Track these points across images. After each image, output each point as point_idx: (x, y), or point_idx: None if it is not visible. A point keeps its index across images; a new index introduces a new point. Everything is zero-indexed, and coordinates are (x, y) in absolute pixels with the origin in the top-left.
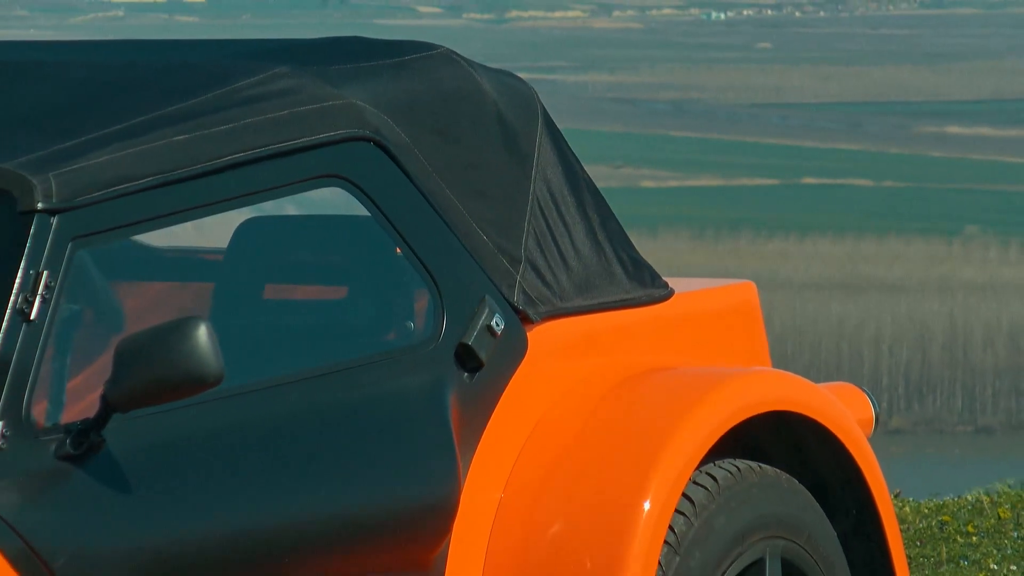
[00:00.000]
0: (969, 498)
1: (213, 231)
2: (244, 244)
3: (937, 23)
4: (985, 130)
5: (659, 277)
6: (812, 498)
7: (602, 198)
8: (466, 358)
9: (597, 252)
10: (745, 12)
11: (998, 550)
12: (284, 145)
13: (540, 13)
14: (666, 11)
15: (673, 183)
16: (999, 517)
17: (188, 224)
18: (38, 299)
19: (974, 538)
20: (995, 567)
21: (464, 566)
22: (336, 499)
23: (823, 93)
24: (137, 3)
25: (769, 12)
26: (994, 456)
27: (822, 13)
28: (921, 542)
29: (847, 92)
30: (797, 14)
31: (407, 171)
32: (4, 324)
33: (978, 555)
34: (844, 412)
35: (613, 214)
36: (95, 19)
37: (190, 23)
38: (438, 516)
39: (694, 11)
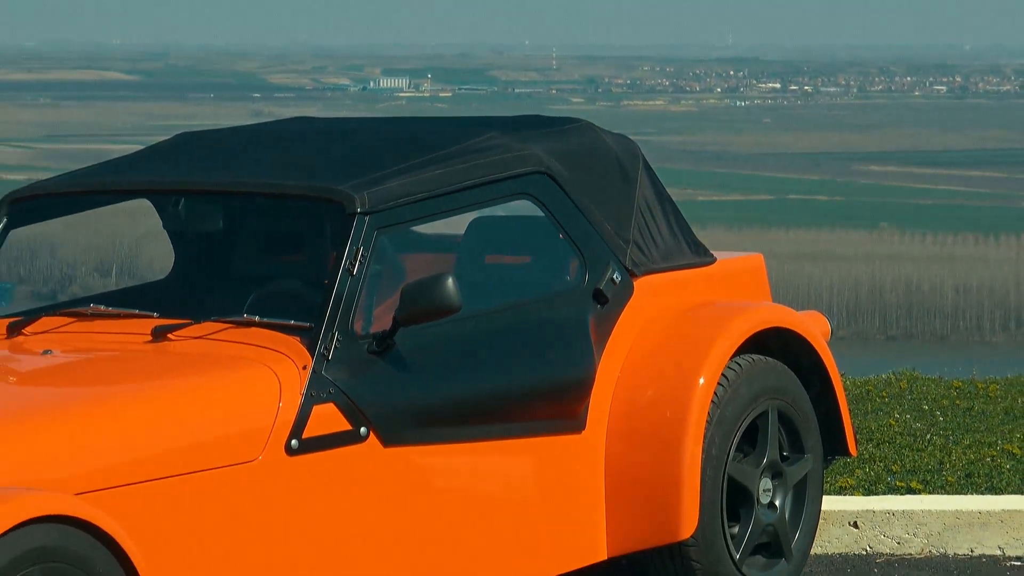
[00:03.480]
0: (883, 376)
1: (454, 224)
2: (474, 232)
3: (866, 107)
4: (892, 168)
5: (708, 250)
6: (795, 376)
7: (675, 205)
8: (598, 297)
9: (672, 236)
10: (756, 101)
11: (899, 407)
12: (495, 176)
13: (640, 102)
14: (711, 101)
15: (714, 198)
16: (900, 388)
17: (442, 220)
18: (357, 263)
19: (887, 400)
20: (897, 416)
21: (598, 414)
22: (527, 374)
23: (799, 147)
24: (413, 96)
25: (770, 101)
26: (897, 353)
27: (799, 102)
28: (856, 402)
29: (813, 146)
30: (784, 103)
31: (566, 191)
32: (337, 278)
33: (888, 409)
34: (813, 327)
35: (681, 214)
36: (389, 106)
37: (443, 108)
38: (583, 384)
39: (727, 101)
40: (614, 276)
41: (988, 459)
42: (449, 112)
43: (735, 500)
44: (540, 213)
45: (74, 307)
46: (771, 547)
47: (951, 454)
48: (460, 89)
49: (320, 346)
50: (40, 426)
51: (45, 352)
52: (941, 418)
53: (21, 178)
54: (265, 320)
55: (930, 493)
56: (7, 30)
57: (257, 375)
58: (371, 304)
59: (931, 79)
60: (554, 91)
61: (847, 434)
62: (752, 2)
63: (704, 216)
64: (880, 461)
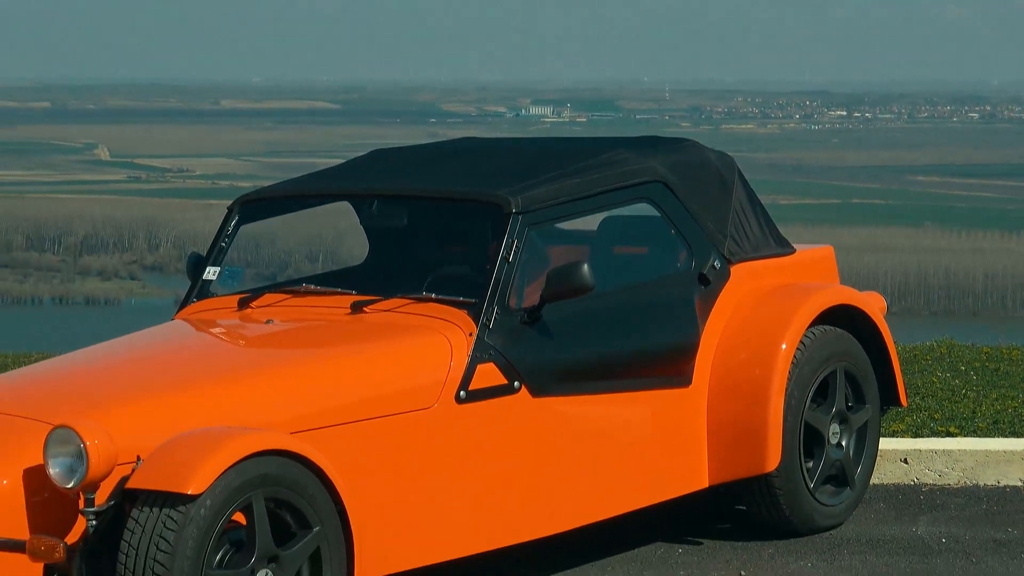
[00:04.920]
0: (927, 344)
1: (589, 222)
2: (604, 228)
3: (914, 130)
4: (935, 178)
5: (789, 243)
6: (858, 343)
7: (763, 207)
8: (702, 280)
9: (761, 231)
10: (826, 126)
11: (940, 367)
12: (621, 184)
13: (735, 126)
14: (791, 125)
15: (794, 202)
16: (941, 352)
17: (579, 219)
18: (512, 252)
19: (930, 362)
20: (939, 375)
21: (701, 372)
22: (646, 340)
23: (861, 162)
24: (555, 122)
25: (837, 126)
26: (938, 325)
27: (860, 126)
28: (905, 363)
29: (872, 161)
30: (849, 126)
31: (677, 196)
32: (496, 264)
33: (931, 369)
34: (872, 304)
35: (768, 214)
36: (537, 129)
37: (579, 130)
38: (690, 349)
39: (803, 125)
40: (715, 263)
41: (1011, 409)
42: (584, 133)
43: (810, 441)
44: (656, 214)
45: (290, 286)
46: (838, 478)
47: (982, 405)
48: (592, 116)
49: (483, 317)
50: (264, 379)
51: (268, 321)
52: (974, 377)
53: (248, 185)
54: (439, 297)
55: (965, 436)
56: (239, 69)
57: (433, 340)
58: (522, 285)
59: (966, 108)
60: (667, 117)
61: (899, 388)
62: (824, 48)
63: (786, 216)
64: (925, 410)
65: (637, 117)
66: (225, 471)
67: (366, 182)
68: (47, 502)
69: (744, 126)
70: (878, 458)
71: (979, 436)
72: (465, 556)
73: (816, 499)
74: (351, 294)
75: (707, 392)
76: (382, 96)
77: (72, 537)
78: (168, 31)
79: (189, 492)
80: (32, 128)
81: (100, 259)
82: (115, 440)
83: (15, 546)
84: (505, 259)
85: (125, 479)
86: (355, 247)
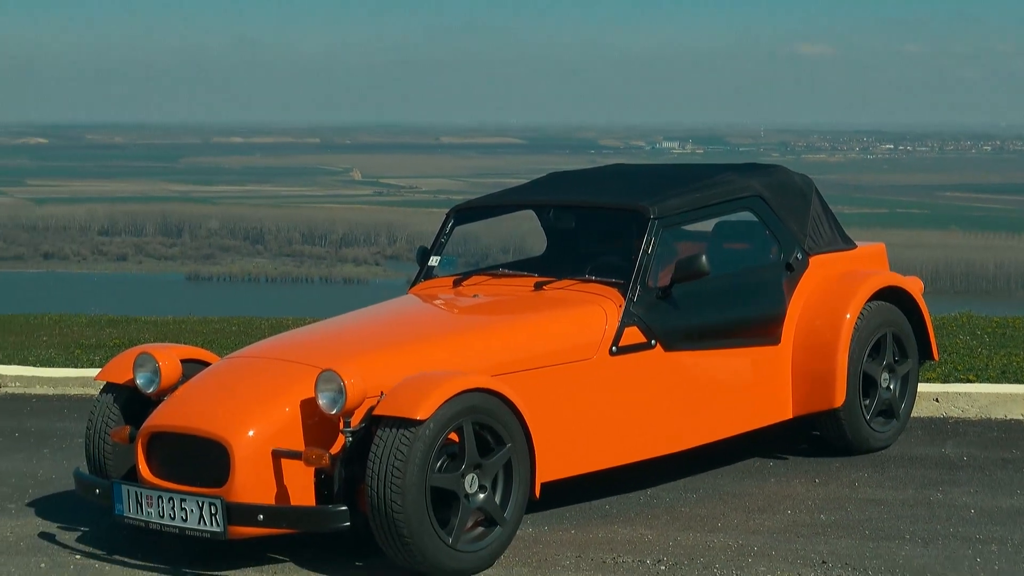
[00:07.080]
0: (952, 315)
1: (706, 225)
2: (717, 229)
3: (942, 159)
4: (958, 194)
5: (852, 240)
6: (902, 314)
7: (833, 214)
8: (788, 268)
9: (831, 232)
10: (879, 156)
11: (963, 332)
12: (729, 197)
13: (811, 156)
14: (852, 155)
15: (855, 211)
16: (962, 321)
17: (697, 225)
18: (650, 246)
19: (954, 328)
20: (962, 338)
21: (788, 334)
22: (747, 311)
23: (904, 182)
24: (681, 153)
25: (886, 156)
26: (960, 301)
27: (904, 156)
28: (936, 329)
29: (912, 182)
30: (895, 156)
31: (770, 206)
32: (639, 255)
33: (955, 333)
34: (913, 286)
35: (836, 218)
36: (667, 158)
37: (698, 159)
38: (779, 317)
39: (861, 156)
40: (797, 256)
41: (1015, 363)
42: (701, 161)
43: (867, 385)
44: (755, 219)
45: (490, 270)
46: (887, 412)
47: (993, 359)
48: (707, 148)
49: (629, 294)
50: (471, 337)
51: (474, 296)
52: (987, 339)
53: (459, 198)
54: (598, 278)
55: (981, 382)
56: (452, 114)
57: (593, 310)
58: (657, 270)
59: (982, 143)
60: (762, 150)
61: (932, 347)
62: (877, 98)
63: (848, 221)
64: (951, 363)
65: (740, 150)
66: (444, 403)
67: (545, 195)
68: (316, 424)
69: (818, 156)
70: (916, 398)
71: (991, 383)
72: (614, 466)
73: (871, 427)
74: (534, 276)
75: (792, 349)
76: (555, 133)
77: (334, 449)
78: (403, 87)
79: (418, 418)
80: (305, 157)
81: (354, 250)
82: (366, 380)
83: (294, 455)
84: (646, 251)
85: (372, 408)
86: (536, 242)
